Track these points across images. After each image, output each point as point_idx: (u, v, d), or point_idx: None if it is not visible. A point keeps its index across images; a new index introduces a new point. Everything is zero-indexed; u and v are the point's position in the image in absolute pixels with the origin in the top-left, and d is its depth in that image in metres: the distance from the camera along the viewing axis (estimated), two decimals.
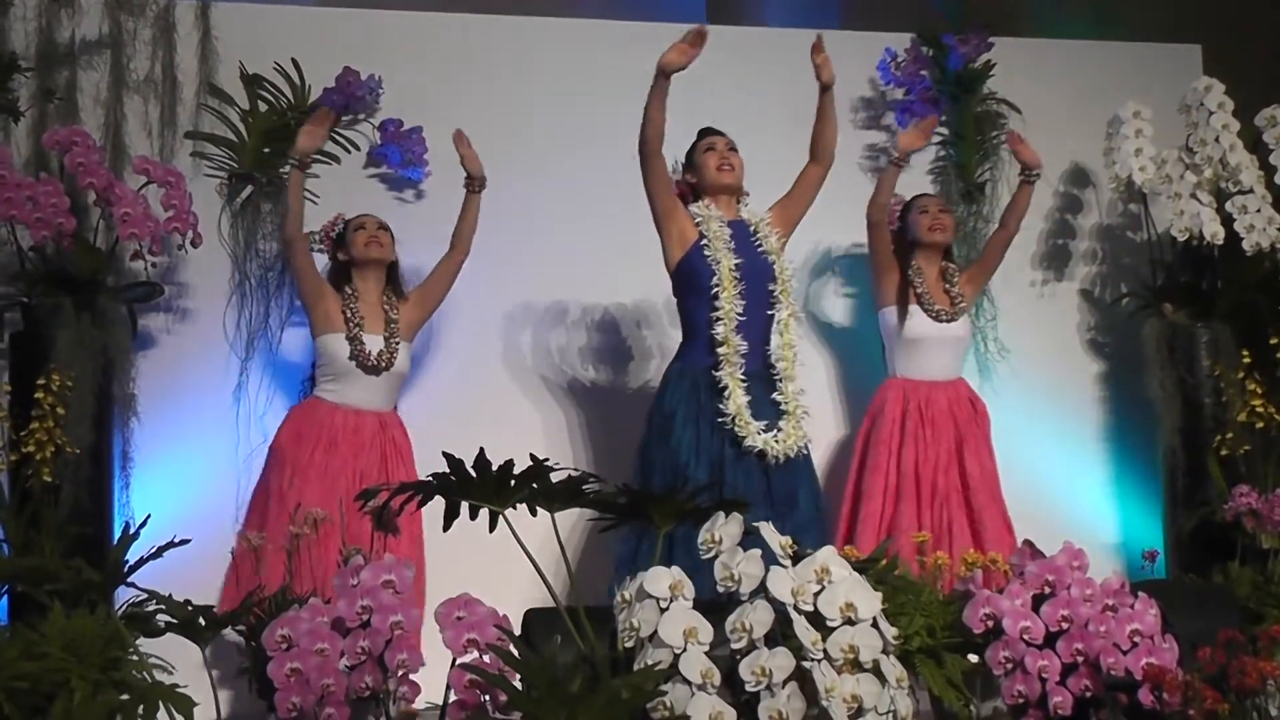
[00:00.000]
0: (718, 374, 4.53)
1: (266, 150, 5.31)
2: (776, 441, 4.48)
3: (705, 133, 4.85)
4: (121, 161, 5.09)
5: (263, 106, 5.34)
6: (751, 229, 4.73)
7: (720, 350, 4.54)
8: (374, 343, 4.77)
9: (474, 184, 4.89)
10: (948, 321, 5.15)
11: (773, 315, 4.67)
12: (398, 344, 4.81)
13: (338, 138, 5.40)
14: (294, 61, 5.34)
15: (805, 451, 4.59)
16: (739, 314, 4.57)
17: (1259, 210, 5.40)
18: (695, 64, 5.71)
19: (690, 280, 4.64)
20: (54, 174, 4.80)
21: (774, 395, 4.58)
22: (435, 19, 5.64)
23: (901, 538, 4.80)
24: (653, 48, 5.75)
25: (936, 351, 5.16)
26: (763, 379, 4.60)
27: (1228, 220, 5.41)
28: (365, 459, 4.71)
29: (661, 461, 4.50)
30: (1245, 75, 5.70)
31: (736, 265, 4.60)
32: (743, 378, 4.53)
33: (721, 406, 4.49)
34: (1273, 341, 5.22)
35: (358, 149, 5.43)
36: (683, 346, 4.72)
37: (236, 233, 5.24)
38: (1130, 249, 6.03)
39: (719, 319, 4.56)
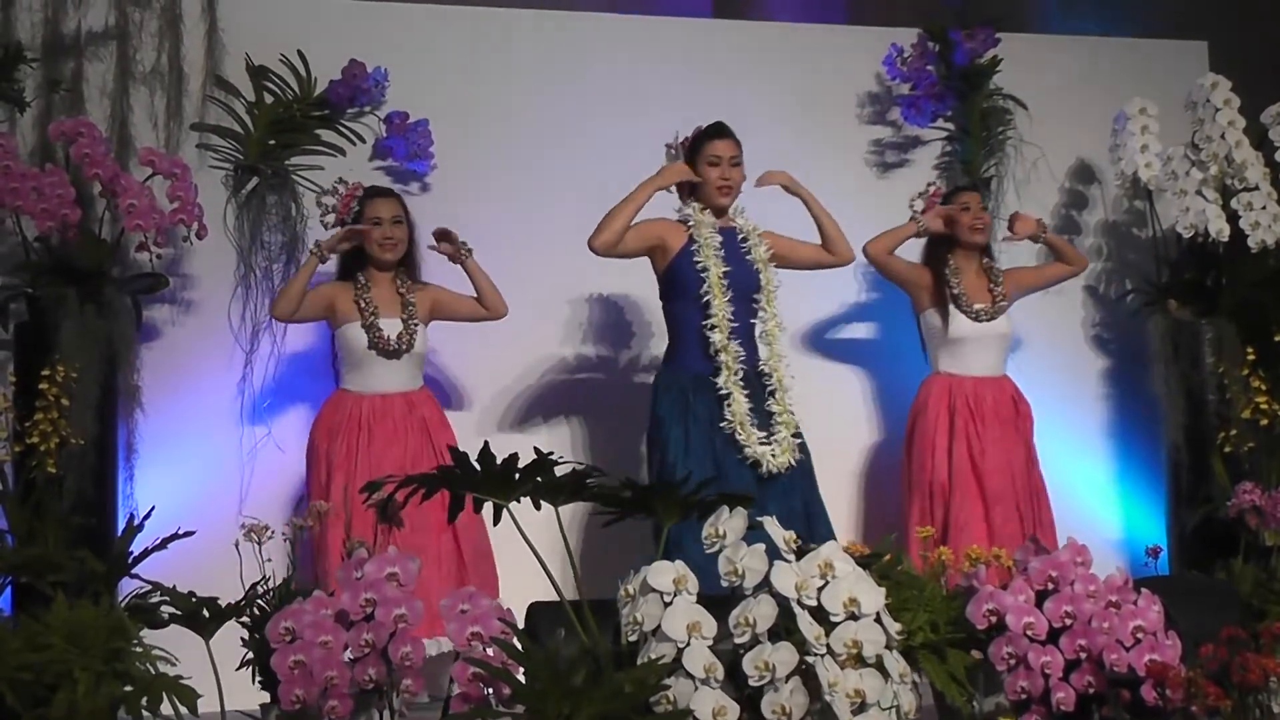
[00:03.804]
0: (717, 380, 4.53)
1: (272, 142, 5.31)
2: (773, 455, 4.50)
3: (712, 134, 4.75)
4: (127, 153, 5.08)
5: (269, 98, 5.34)
6: (742, 237, 4.73)
7: (720, 357, 4.55)
8: (391, 327, 4.75)
9: (456, 259, 4.85)
10: (988, 320, 5.17)
11: (754, 325, 4.67)
12: (416, 325, 4.78)
13: (343, 130, 5.40)
14: (300, 54, 5.34)
15: (795, 465, 4.56)
16: (730, 320, 4.58)
17: (1264, 207, 5.41)
18: (701, 59, 5.75)
19: (678, 285, 4.66)
20: (59, 165, 4.81)
21: (768, 405, 4.58)
22: (441, 12, 5.64)
23: (962, 534, 4.87)
24: (659, 42, 5.79)
25: (980, 349, 5.18)
26: (750, 388, 4.59)
27: (1233, 217, 5.42)
28: (402, 444, 4.69)
29: (657, 462, 4.55)
30: (1251, 72, 5.69)
31: (725, 273, 4.61)
32: (743, 384, 4.55)
33: (725, 413, 4.50)
34: (1277, 338, 5.23)
35: (363, 141, 5.43)
36: (670, 352, 4.74)
37: (242, 225, 5.23)
38: (1135, 245, 6.03)
39: (713, 326, 4.56)
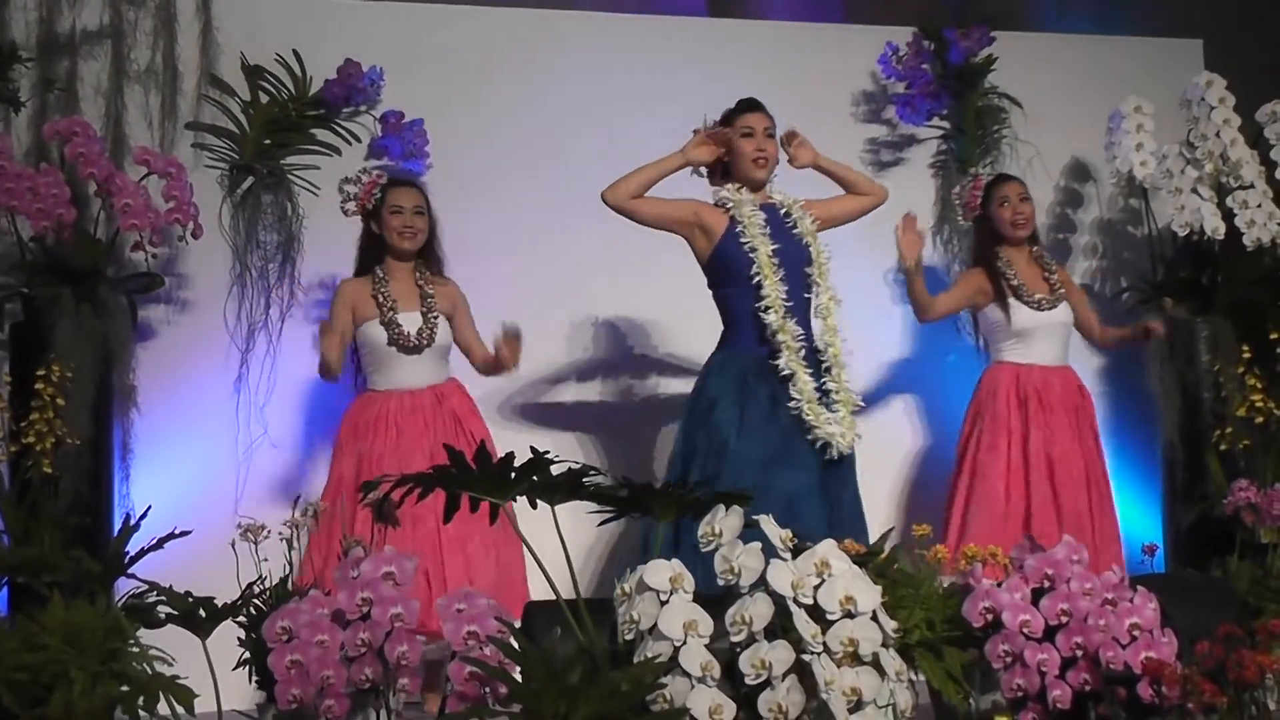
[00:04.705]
0: (776, 362, 4.36)
1: (267, 141, 5.31)
2: (841, 436, 4.35)
3: (744, 108, 4.64)
4: (122, 152, 5.08)
5: (264, 98, 5.33)
6: (784, 212, 4.57)
7: (778, 338, 4.38)
8: (411, 321, 4.65)
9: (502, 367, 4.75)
10: (1050, 309, 5.11)
11: (809, 299, 4.52)
12: (436, 319, 4.69)
13: (339, 129, 5.40)
14: (295, 53, 5.33)
15: (853, 448, 4.46)
16: (784, 299, 4.43)
17: (1259, 205, 5.41)
18: (697, 57, 5.75)
19: (727, 269, 4.49)
20: (54, 164, 4.79)
21: (824, 383, 4.41)
22: (437, 11, 5.64)
23: (1040, 523, 4.81)
24: (654, 40, 5.79)
25: (1044, 338, 5.11)
26: (810, 366, 4.43)
27: (1228, 215, 5.42)
28: (432, 436, 4.56)
29: (705, 444, 4.36)
30: (1246, 71, 5.70)
31: (774, 250, 4.45)
32: (805, 363, 4.39)
33: (791, 392, 4.34)
34: (1272, 336, 5.23)
35: (359, 141, 5.42)
36: (725, 336, 4.56)
37: (237, 224, 5.23)
38: (1131, 244, 6.03)
39: (768, 306, 4.39)
